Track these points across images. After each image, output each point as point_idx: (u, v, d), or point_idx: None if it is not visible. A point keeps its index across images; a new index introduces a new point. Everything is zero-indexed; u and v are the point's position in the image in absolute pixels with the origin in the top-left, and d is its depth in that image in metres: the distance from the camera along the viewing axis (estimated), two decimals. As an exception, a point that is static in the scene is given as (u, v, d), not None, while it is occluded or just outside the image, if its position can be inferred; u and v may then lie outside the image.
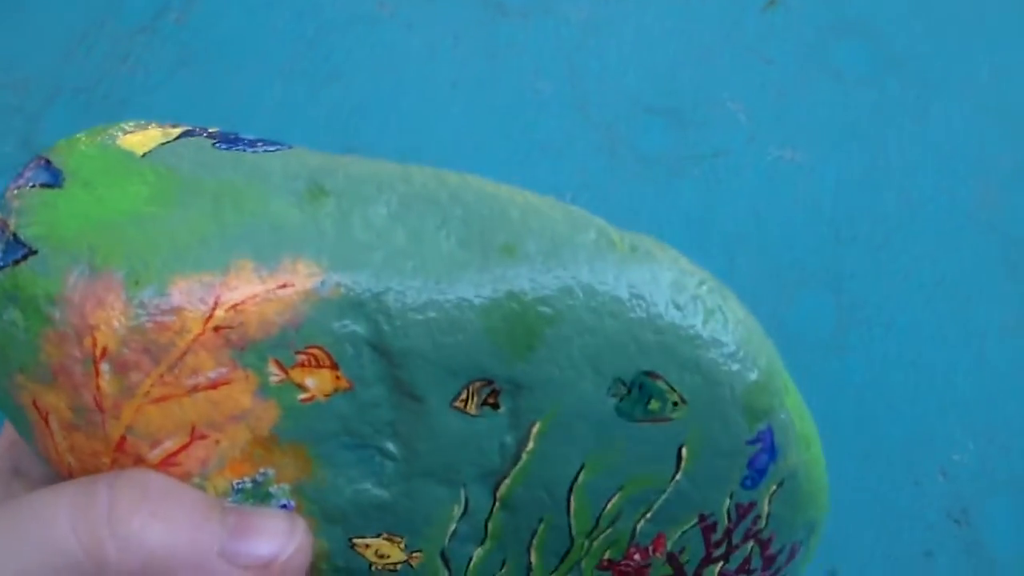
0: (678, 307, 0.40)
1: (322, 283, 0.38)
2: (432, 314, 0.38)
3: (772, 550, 0.45)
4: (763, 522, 0.44)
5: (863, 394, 0.63)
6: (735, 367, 0.40)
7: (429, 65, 0.58)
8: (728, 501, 0.42)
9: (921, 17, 0.70)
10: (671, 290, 0.40)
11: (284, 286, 0.37)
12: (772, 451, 0.42)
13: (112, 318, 0.36)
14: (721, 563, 0.45)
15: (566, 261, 0.39)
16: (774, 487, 0.43)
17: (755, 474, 0.42)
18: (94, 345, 0.36)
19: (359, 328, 0.38)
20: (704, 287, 0.40)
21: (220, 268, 0.37)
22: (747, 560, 0.45)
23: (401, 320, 0.38)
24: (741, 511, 0.43)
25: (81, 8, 0.69)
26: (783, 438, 0.42)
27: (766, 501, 0.43)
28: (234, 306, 0.37)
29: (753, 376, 0.40)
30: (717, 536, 0.44)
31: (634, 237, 0.40)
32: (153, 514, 0.35)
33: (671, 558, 0.44)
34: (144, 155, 0.41)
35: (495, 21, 0.67)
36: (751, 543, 0.44)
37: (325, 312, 0.38)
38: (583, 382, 0.40)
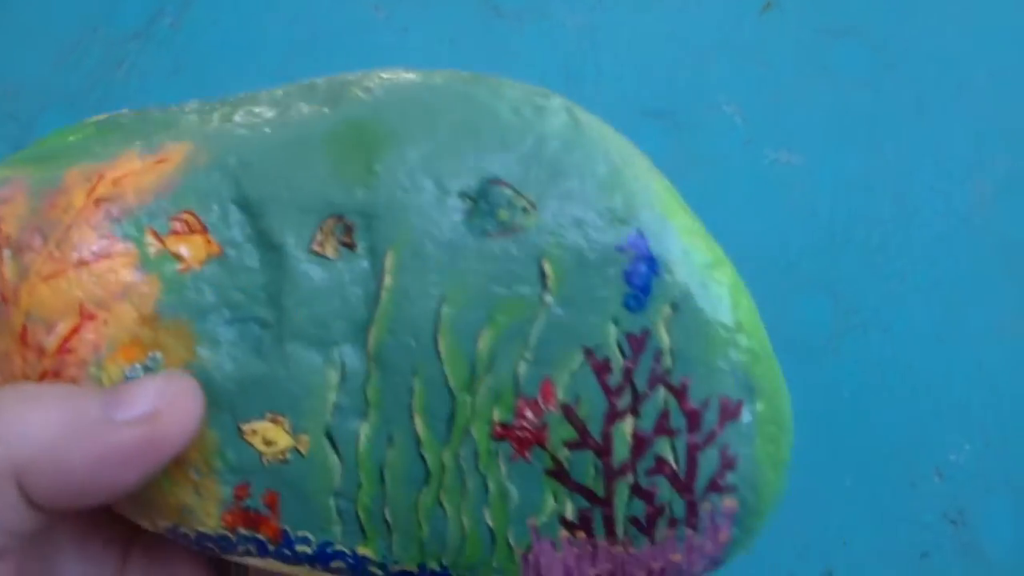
0: (517, 112, 0.39)
1: (194, 154, 0.40)
2: (283, 155, 0.40)
3: (692, 403, 0.38)
4: (668, 360, 0.38)
5: (859, 396, 0.63)
6: (577, 156, 0.38)
7: (426, 68, 0.58)
8: (615, 329, 0.38)
9: (918, 20, 0.69)
10: (512, 100, 0.39)
11: (161, 161, 0.40)
12: (651, 261, 0.38)
13: (16, 209, 0.40)
14: (631, 418, 0.39)
15: (404, 89, 0.40)
16: (667, 310, 0.38)
17: (637, 291, 0.38)
18: (1, 236, 0.40)
19: (224, 187, 0.40)
20: (552, 100, 0.39)
21: (111, 158, 0.41)
22: (664, 416, 0.39)
23: (258, 168, 0.40)
24: (634, 343, 0.38)
25: (74, 14, 0.69)
26: (662, 247, 0.38)
27: (662, 329, 0.38)
28: (114, 180, 0.40)
29: (603, 169, 0.38)
30: (614, 379, 0.38)
31: (484, 75, 0.40)
32: (27, 405, 0.36)
33: (568, 413, 0.39)
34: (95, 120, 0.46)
35: (491, 24, 0.67)
36: (661, 390, 0.38)
37: (193, 177, 0.40)
38: (427, 198, 0.38)
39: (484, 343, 0.39)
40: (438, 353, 0.39)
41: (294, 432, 0.40)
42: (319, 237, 0.39)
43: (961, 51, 0.69)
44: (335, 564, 0.41)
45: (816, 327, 0.64)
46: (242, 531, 0.41)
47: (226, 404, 0.40)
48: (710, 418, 0.39)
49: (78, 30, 0.70)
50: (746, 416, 0.39)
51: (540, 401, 0.39)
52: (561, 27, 0.66)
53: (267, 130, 0.41)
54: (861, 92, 0.68)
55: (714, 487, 0.39)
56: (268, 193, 0.39)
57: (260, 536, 0.41)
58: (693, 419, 0.39)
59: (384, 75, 0.41)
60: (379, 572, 0.41)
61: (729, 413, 0.39)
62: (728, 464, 0.39)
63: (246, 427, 0.40)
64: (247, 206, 0.40)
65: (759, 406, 0.39)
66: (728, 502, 0.39)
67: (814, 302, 0.65)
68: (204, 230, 0.40)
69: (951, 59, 0.69)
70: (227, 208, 0.40)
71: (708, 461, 0.39)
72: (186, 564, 0.47)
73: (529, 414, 0.39)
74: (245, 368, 0.39)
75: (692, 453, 0.39)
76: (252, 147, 0.40)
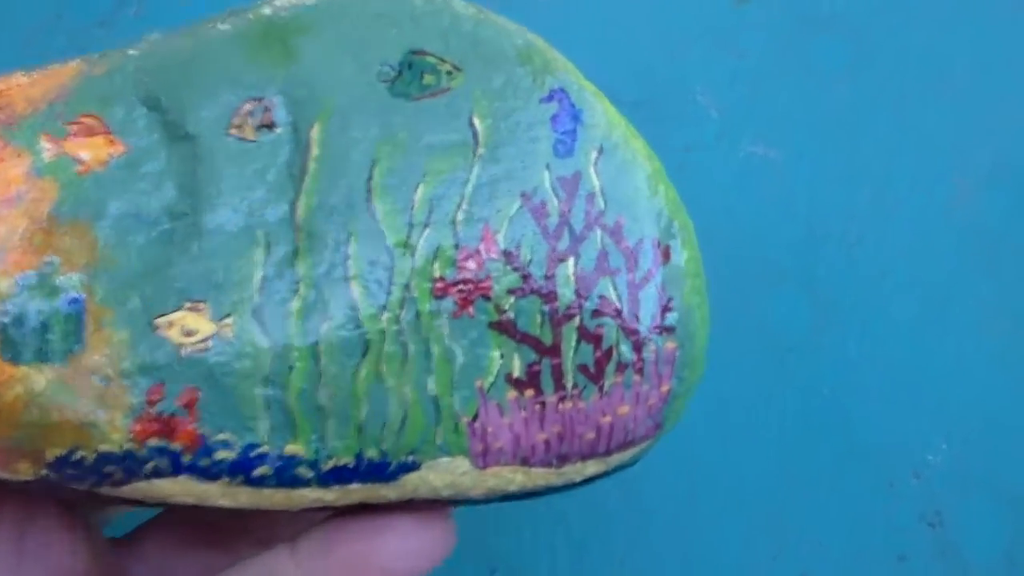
0: (429, 1, 0.41)
1: (88, 67, 0.40)
2: (190, 55, 0.40)
3: (628, 241, 0.40)
4: (600, 201, 0.40)
5: (836, 394, 0.62)
6: (492, 31, 0.41)
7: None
8: (547, 174, 0.40)
9: (897, 12, 0.70)
10: None
11: (50, 76, 0.40)
12: (575, 110, 0.40)
13: None
14: (571, 260, 0.40)
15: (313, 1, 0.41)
16: (594, 153, 0.40)
17: (565, 138, 0.40)
18: None
19: (127, 89, 0.39)
20: None
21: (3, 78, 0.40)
22: (603, 256, 0.40)
23: (163, 69, 0.39)
24: (567, 185, 0.40)
25: (38, 2, 0.68)
26: (583, 102, 0.41)
27: (592, 171, 0.40)
28: (1, 92, 0.39)
29: (518, 41, 0.41)
30: (552, 221, 0.39)
31: None
32: None
33: (510, 259, 0.39)
34: None
35: (461, 14, 0.66)
36: (598, 230, 0.40)
37: (90, 83, 0.39)
38: (349, 73, 0.39)
39: (420, 196, 0.39)
40: (373, 213, 0.39)
41: (217, 318, 0.38)
42: (236, 121, 0.39)
43: (942, 44, 0.69)
44: (259, 471, 0.38)
45: (793, 324, 0.63)
46: (153, 443, 0.38)
47: (136, 299, 0.37)
48: (645, 258, 0.40)
49: (41, 18, 0.68)
50: (676, 259, 0.41)
51: (481, 249, 0.39)
52: (533, 14, 0.65)
53: (167, 44, 0.40)
54: (840, 85, 0.68)
55: (656, 327, 0.40)
56: (177, 89, 0.39)
57: (174, 446, 0.38)
58: (631, 258, 0.40)
59: None
60: (309, 473, 0.39)
61: (662, 254, 0.41)
62: (666, 305, 0.40)
63: (161, 320, 0.37)
64: (155, 104, 0.39)
65: (685, 254, 0.41)
66: (669, 344, 0.40)
67: (791, 299, 0.64)
68: (106, 131, 0.39)
69: (932, 52, 0.69)
70: (133, 107, 0.39)
71: (649, 300, 0.40)
72: (59, 533, 0.43)
73: (471, 264, 0.39)
74: (156, 260, 0.38)
75: (633, 292, 0.40)
76: (154, 54, 0.40)
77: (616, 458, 0.41)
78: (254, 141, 0.39)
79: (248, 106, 0.39)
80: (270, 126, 0.39)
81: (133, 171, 0.38)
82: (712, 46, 0.69)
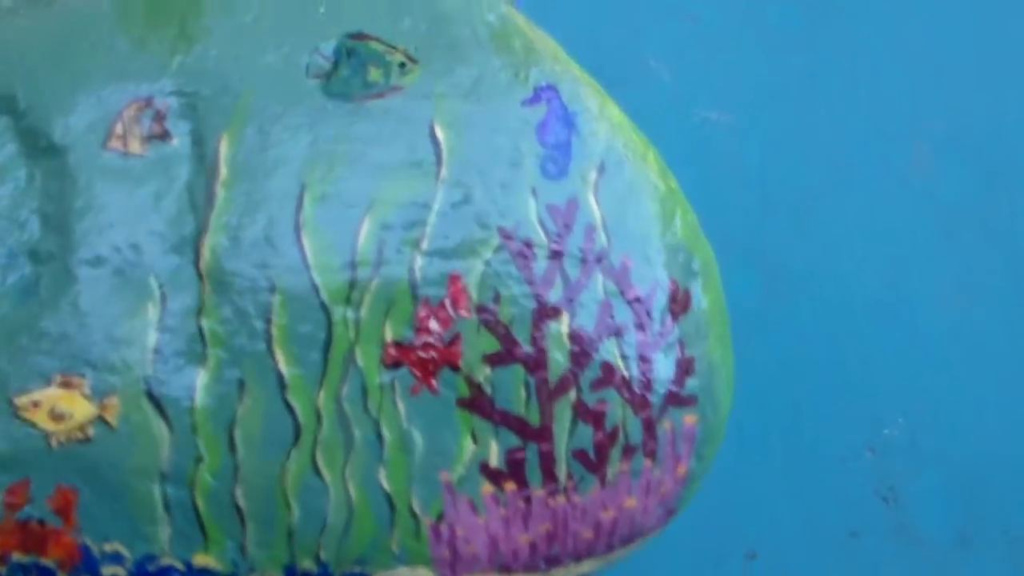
0: None
1: None
2: (56, 36, 0.31)
3: (638, 289, 0.32)
4: (603, 236, 0.32)
5: (788, 367, 0.61)
6: (458, 1, 0.32)
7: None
8: (533, 202, 0.31)
9: (853, -25, 0.67)
10: None
11: None
12: (567, 118, 0.32)
13: None
14: (566, 316, 0.31)
15: None
16: (594, 173, 0.32)
17: (555, 153, 0.32)
18: None
19: None
20: None
21: None
22: (606, 309, 0.32)
23: (19, 57, 0.31)
24: (559, 216, 0.31)
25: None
26: (577, 101, 0.32)
27: (591, 197, 0.32)
28: None
29: (491, 16, 0.32)
30: (540, 266, 0.31)
31: None
32: None
33: (485, 315, 0.31)
34: None
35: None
36: (600, 277, 0.32)
37: None
38: (271, 62, 0.31)
39: (366, 233, 0.31)
40: (303, 256, 0.30)
41: (98, 397, 0.30)
42: (117, 129, 0.30)
43: (898, 9, 0.68)
44: None
45: (743, 294, 0.61)
46: (18, 558, 0.30)
47: None
48: (659, 309, 0.33)
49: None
50: (697, 305, 0.33)
51: (447, 304, 0.31)
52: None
53: (24, 20, 0.32)
54: (795, 50, 0.67)
55: (673, 398, 0.33)
56: (37, 83, 0.31)
57: (46, 562, 0.30)
58: (641, 311, 0.32)
59: None
60: None
61: (680, 302, 0.33)
62: (687, 367, 0.33)
63: (22, 400, 0.30)
64: (8, 103, 0.31)
65: (708, 296, 0.34)
66: (689, 419, 0.33)
67: (742, 267, 0.62)
68: None
69: (888, 17, 0.68)
70: None
71: (664, 363, 0.32)
72: None
73: (434, 325, 0.31)
74: (15, 319, 0.30)
75: (645, 354, 0.32)
76: (5, 33, 0.31)
77: (618, 555, 0.34)
78: (142, 156, 0.30)
79: (134, 109, 0.30)
80: (163, 136, 0.31)
81: None
82: (665, 9, 0.66)
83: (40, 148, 0.30)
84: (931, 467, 0.60)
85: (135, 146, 0.30)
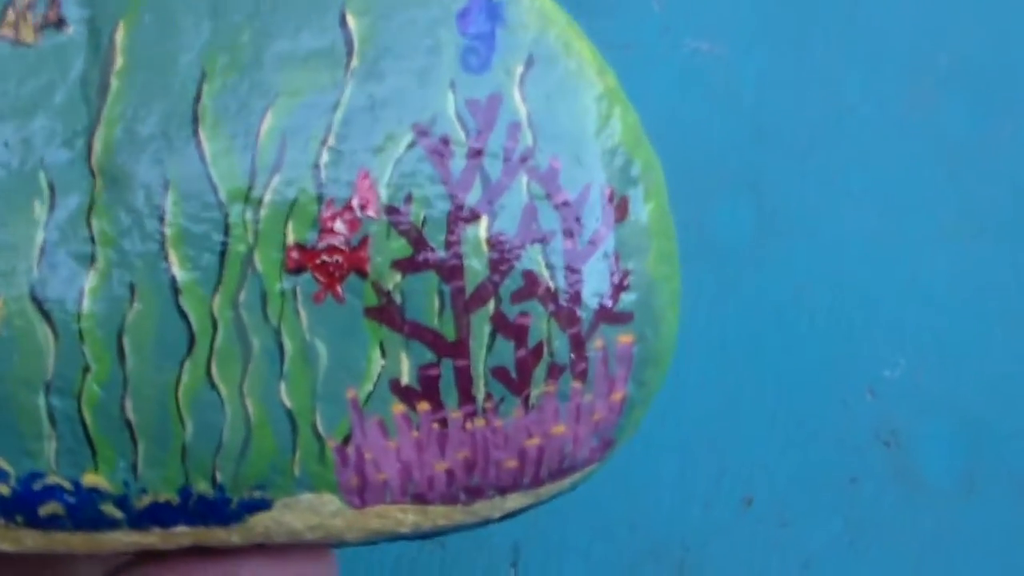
0: None
1: None
2: None
3: (567, 192, 0.29)
4: (528, 135, 0.29)
5: (783, 307, 0.60)
6: None
7: None
8: (452, 96, 0.29)
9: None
10: None
11: None
12: (491, 7, 0.29)
13: None
14: (484, 219, 0.29)
15: None
16: (520, 67, 0.29)
17: (477, 43, 0.29)
18: None
19: None
20: None
21: None
22: (530, 213, 0.29)
23: None
24: (480, 113, 0.29)
25: None
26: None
27: (516, 92, 0.29)
28: None
29: None
30: (458, 164, 0.29)
31: None
32: None
33: (396, 217, 0.28)
34: None
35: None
36: (524, 177, 0.29)
37: None
38: None
39: (268, 128, 0.28)
40: (200, 151, 0.28)
41: None
42: (9, 16, 0.28)
43: None
44: (45, 509, 0.28)
45: (736, 231, 0.61)
46: None
47: None
48: (591, 215, 0.29)
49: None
50: (636, 214, 0.30)
51: (355, 204, 0.28)
52: None
53: None
54: None
55: (606, 314, 0.29)
56: None
57: None
58: (570, 216, 0.29)
59: None
60: (118, 513, 0.29)
61: (616, 208, 0.30)
62: (622, 281, 0.30)
63: None
64: None
65: (649, 206, 0.30)
66: (624, 338, 0.30)
67: (735, 203, 0.61)
68: None
69: None
70: None
71: (596, 274, 0.29)
72: None
73: (339, 226, 0.28)
74: None
75: (574, 264, 0.29)
76: None
77: (548, 489, 0.31)
78: (33, 45, 0.28)
79: None
80: (58, 24, 0.28)
81: None
82: (653, -67, 0.65)
83: None
84: (934, 410, 0.59)
85: (28, 35, 0.28)
